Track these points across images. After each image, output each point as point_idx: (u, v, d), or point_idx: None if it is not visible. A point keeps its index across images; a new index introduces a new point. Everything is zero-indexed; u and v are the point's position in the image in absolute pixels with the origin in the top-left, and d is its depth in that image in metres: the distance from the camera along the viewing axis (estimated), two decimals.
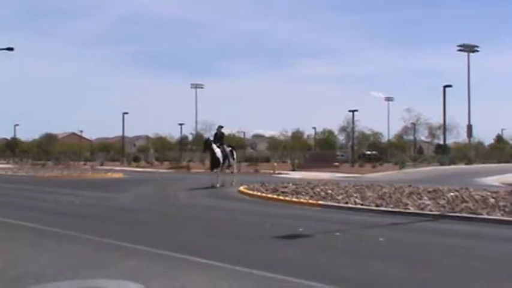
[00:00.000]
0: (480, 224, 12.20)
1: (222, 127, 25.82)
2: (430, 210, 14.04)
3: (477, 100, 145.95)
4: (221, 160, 23.84)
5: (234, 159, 25.49)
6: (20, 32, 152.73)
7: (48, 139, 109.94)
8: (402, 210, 14.30)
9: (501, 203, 14.87)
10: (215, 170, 24.03)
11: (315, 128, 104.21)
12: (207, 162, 27.91)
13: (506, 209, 13.61)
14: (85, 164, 66.97)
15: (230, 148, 25.21)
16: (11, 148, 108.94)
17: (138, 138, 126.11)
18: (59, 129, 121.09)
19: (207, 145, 24.23)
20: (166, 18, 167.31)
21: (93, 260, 8.12)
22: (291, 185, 22.41)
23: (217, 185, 23.39)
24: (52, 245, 9.62)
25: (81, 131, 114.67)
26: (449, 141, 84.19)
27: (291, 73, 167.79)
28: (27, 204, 17.28)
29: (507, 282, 6.96)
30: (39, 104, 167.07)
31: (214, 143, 24.15)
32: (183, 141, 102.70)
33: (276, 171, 41.22)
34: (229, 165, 25.10)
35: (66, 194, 20.80)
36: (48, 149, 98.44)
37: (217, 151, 23.74)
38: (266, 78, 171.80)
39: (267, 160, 74.92)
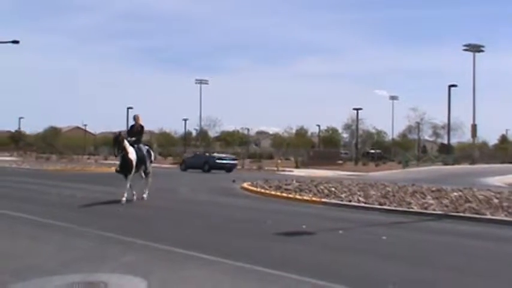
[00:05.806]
0: (483, 225, 12.16)
1: (137, 117, 18.18)
2: (434, 210, 14.00)
3: (482, 100, 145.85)
4: (134, 163, 16.68)
5: (151, 162, 18.32)
6: (24, 26, 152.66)
7: (53, 132, 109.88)
8: (405, 209, 14.28)
9: (505, 204, 14.84)
10: (125, 176, 16.54)
11: (319, 126, 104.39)
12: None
13: (510, 210, 13.57)
14: (89, 158, 67.09)
15: (147, 147, 18.36)
16: (16, 141, 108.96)
17: None
18: (63, 122, 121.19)
19: (118, 141, 16.49)
20: (168, 13, 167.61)
21: (94, 254, 8.11)
22: (294, 182, 22.40)
23: (124, 199, 15.91)
24: (54, 238, 9.61)
25: (85, 125, 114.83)
26: (454, 140, 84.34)
27: (296, 70, 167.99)
28: (29, 197, 17.28)
29: (507, 283, 6.92)
30: (43, 97, 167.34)
31: (129, 138, 17.23)
32: (186, 137, 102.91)
33: (280, 169, 41.23)
34: (146, 172, 17.80)
35: (68, 188, 20.81)
36: (52, 142, 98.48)
37: (131, 151, 16.60)
38: (271, 75, 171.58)
39: (271, 157, 75.16)
